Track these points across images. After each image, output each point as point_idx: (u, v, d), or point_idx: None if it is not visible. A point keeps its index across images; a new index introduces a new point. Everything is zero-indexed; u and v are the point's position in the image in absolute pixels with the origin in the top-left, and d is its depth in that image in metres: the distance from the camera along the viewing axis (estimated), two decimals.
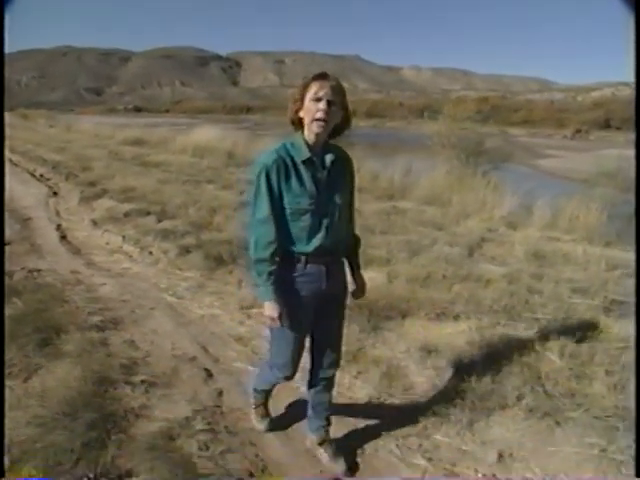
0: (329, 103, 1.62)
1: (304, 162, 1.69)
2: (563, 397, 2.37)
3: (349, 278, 1.98)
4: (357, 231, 1.99)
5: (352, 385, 2.62)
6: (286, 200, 1.69)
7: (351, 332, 2.90)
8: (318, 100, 1.62)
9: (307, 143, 1.69)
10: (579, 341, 2.87)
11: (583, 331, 3.01)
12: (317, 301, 1.84)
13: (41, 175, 10.00)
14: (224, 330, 3.26)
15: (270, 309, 1.74)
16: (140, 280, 4.18)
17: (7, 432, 2.03)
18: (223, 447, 2.04)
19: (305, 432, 2.16)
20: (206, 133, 13.36)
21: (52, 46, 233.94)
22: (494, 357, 2.70)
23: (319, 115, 1.62)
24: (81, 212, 6.73)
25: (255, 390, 2.23)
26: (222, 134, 13.31)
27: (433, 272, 3.93)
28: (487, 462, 2.12)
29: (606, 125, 49.17)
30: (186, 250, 4.67)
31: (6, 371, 2.52)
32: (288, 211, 1.70)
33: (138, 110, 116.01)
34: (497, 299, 3.42)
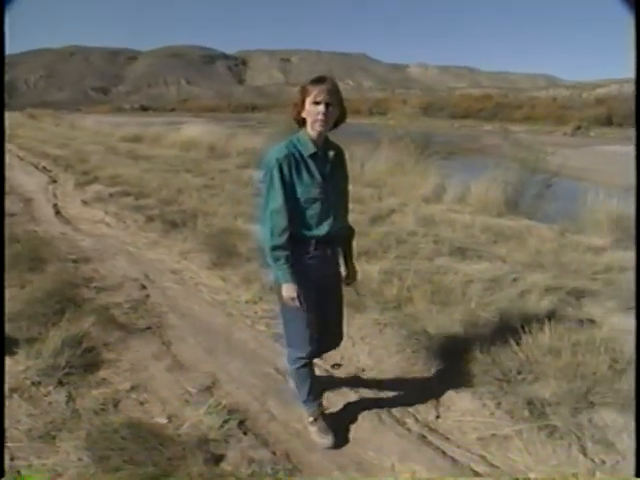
0: (327, 105, 1.82)
1: (310, 156, 1.89)
2: (369, 296, 3.59)
3: (342, 265, 2.24)
4: None
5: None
6: (299, 190, 1.87)
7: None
8: (317, 104, 1.82)
9: (311, 139, 1.90)
10: (406, 267, 4.09)
11: (415, 262, 4.24)
12: (322, 281, 2.03)
13: (44, 167, 11.33)
14: (164, 267, 4.53)
15: (289, 290, 1.90)
16: (112, 239, 5.46)
17: (11, 309, 3.29)
18: (138, 315, 3.31)
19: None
20: (194, 130, 14.66)
21: (60, 46, 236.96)
22: None
23: (319, 117, 1.83)
24: (74, 195, 8.02)
25: (300, 392, 2.21)
26: (207, 130, 14.63)
27: None
28: None
29: (608, 122, 49.54)
30: (151, 219, 5.94)
31: (7, 282, 3.79)
32: (301, 200, 1.89)
33: (144, 109, 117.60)
34: (364, 245, 4.64)
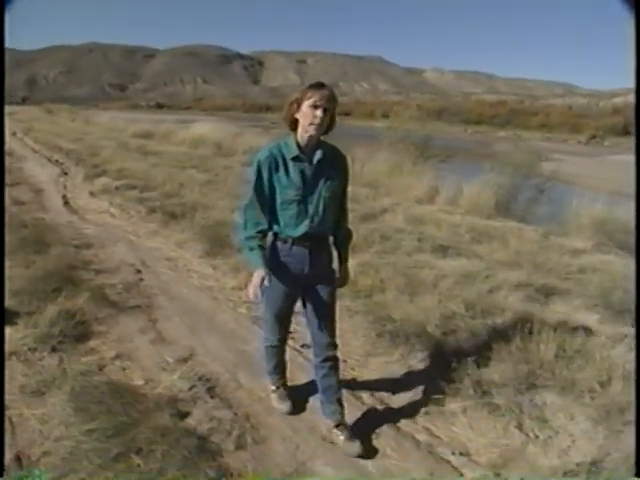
0: (325, 110, 1.89)
1: (293, 159, 1.96)
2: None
3: (335, 267, 2.24)
4: None
5: None
6: (277, 191, 1.97)
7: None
8: (316, 107, 1.88)
9: (298, 142, 1.96)
10: (385, 261, 4.33)
11: (395, 257, 4.48)
12: (302, 281, 2.09)
13: (56, 160, 11.72)
14: (161, 254, 4.82)
15: (255, 276, 1.95)
16: (115, 228, 5.77)
17: (13, 286, 3.59)
18: (130, 296, 3.59)
19: (320, 417, 2.30)
20: (203, 127, 15.02)
21: (80, 42, 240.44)
22: None
23: (316, 121, 1.89)
24: (83, 187, 8.37)
25: (267, 365, 2.39)
26: (216, 128, 14.97)
27: None
28: None
29: (624, 131, 49.03)
30: (153, 210, 6.24)
31: (12, 262, 4.10)
32: (279, 201, 1.98)
33: (160, 107, 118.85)
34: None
